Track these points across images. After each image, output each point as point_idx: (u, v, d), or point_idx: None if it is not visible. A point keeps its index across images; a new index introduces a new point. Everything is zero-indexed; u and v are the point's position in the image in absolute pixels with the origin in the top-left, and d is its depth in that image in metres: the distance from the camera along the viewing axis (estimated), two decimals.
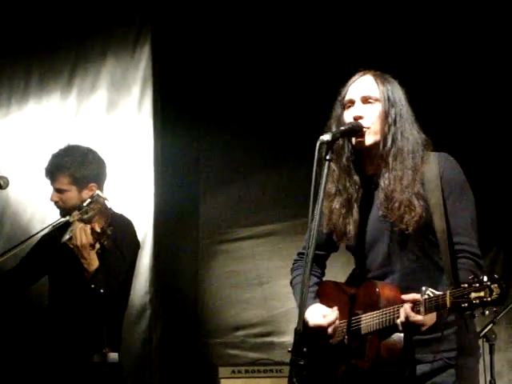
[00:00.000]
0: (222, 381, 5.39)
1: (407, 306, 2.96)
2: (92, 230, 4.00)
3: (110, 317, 4.18)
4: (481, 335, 4.75)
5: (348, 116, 3.22)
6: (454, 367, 3.09)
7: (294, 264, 3.58)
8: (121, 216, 4.38)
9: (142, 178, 5.64)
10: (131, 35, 5.79)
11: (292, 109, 5.81)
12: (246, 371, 5.42)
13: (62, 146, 4.45)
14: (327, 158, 3.03)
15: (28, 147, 5.60)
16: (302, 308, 2.95)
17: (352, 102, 3.23)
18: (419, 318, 2.94)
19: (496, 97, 5.59)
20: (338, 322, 3.21)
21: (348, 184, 3.27)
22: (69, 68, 5.76)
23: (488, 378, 4.88)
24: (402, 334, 3.06)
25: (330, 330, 3.20)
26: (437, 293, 2.89)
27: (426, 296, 2.90)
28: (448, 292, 2.83)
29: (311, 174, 3.01)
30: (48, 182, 4.43)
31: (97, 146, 4.56)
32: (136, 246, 4.46)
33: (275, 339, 5.73)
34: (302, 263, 3.49)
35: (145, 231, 5.54)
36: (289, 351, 3.36)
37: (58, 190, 4.33)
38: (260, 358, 5.71)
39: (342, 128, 3.16)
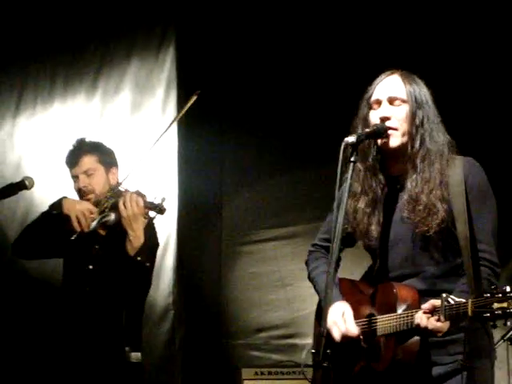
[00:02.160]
0: (245, 382, 5.38)
1: (424, 314, 2.94)
2: (144, 200, 3.99)
3: (133, 312, 4.17)
4: (505, 338, 4.71)
5: (374, 116, 3.21)
6: (469, 369, 3.06)
7: (309, 255, 3.56)
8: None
9: (165, 180, 5.65)
10: (156, 37, 5.80)
11: (316, 110, 5.80)
12: (269, 373, 5.41)
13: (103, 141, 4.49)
14: (352, 159, 3.02)
15: (53, 148, 5.63)
16: (326, 310, 2.94)
17: (379, 103, 3.22)
18: (437, 324, 2.92)
19: None
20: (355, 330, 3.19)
21: (374, 183, 3.26)
22: (93, 69, 5.79)
23: None
24: (418, 337, 3.04)
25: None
26: (457, 300, 2.86)
27: (447, 303, 2.88)
28: (470, 301, 2.80)
29: (335, 175, 3.00)
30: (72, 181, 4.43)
31: (121, 147, 4.59)
32: (157, 242, 4.42)
33: (298, 341, 5.72)
34: (317, 254, 3.50)
35: (168, 232, 5.55)
36: (312, 353, 3.37)
37: (85, 173, 4.30)
38: (283, 360, 5.70)
39: (367, 130, 3.15)
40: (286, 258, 5.94)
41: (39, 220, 4.36)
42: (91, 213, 4.13)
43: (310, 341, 3.56)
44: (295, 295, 5.80)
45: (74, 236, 4.12)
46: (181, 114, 4.51)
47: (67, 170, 4.45)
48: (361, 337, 3.19)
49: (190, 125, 5.75)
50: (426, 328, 2.93)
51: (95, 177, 4.30)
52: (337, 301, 3.20)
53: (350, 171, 3.02)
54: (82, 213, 4.12)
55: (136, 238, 4.01)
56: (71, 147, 4.41)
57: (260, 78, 5.97)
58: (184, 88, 5.80)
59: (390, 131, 3.16)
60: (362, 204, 3.26)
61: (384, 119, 3.17)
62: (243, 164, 6.12)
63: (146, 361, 4.32)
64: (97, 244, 4.25)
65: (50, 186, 5.50)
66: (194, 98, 4.32)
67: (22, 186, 4.21)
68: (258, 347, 5.93)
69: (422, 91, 3.23)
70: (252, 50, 5.96)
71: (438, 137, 3.19)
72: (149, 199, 4.08)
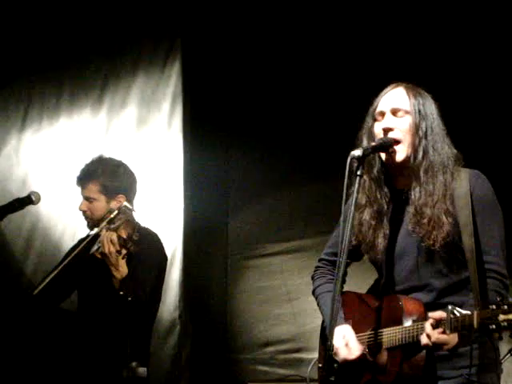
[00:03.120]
0: None
1: (430, 325, 2.93)
2: (118, 236, 4.02)
3: (138, 329, 4.19)
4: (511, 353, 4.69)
5: (378, 128, 3.22)
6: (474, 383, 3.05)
7: (315, 271, 3.55)
8: (146, 229, 4.39)
9: (171, 194, 5.65)
10: (161, 52, 5.82)
11: (321, 124, 5.80)
12: None
13: (96, 155, 4.49)
14: (358, 173, 3.02)
15: (59, 163, 5.65)
16: (333, 324, 2.93)
17: (382, 114, 3.22)
18: (443, 337, 2.91)
19: None
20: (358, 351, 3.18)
21: (379, 195, 3.26)
22: (99, 84, 5.81)
23: None
24: (424, 350, 3.03)
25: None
26: (463, 312, 2.85)
27: (452, 315, 2.87)
28: (476, 313, 2.80)
29: (341, 189, 3.00)
30: (79, 196, 4.45)
31: (127, 162, 4.59)
32: (162, 257, 4.45)
33: (304, 355, 5.69)
34: (324, 271, 3.50)
35: (174, 246, 5.55)
36: (319, 368, 3.36)
37: (86, 198, 4.36)
38: (289, 374, 5.69)
39: (373, 144, 3.15)
40: (292, 272, 5.93)
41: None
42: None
43: (316, 355, 3.55)
44: (301, 309, 5.79)
45: (95, 248, 4.15)
46: None
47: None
48: (366, 351, 3.18)
49: (196, 140, 5.76)
50: (430, 339, 2.92)
51: (94, 204, 4.35)
52: (338, 324, 3.15)
53: (356, 185, 3.01)
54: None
55: (117, 272, 4.06)
56: (84, 166, 4.42)
57: (266, 94, 5.98)
58: (190, 102, 5.81)
59: (395, 147, 3.16)
60: (367, 216, 3.26)
61: (387, 130, 3.18)
62: (249, 178, 6.12)
63: (151, 375, 4.31)
64: (95, 268, 4.26)
65: (57, 200, 5.51)
66: None
67: (28, 200, 4.23)
68: (265, 361, 5.91)
69: (427, 103, 3.23)
70: (258, 66, 5.97)
71: (442, 149, 3.19)
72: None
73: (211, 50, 5.97)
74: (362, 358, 3.16)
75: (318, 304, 3.45)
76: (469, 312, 2.83)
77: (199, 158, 5.82)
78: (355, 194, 3.01)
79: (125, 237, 4.02)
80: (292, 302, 5.91)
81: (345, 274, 3.22)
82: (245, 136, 6.04)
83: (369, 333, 3.21)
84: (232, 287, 6.09)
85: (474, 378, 3.05)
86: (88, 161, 4.44)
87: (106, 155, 4.50)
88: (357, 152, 3.03)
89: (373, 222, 3.26)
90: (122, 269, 4.05)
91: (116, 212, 4.14)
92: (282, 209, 6.05)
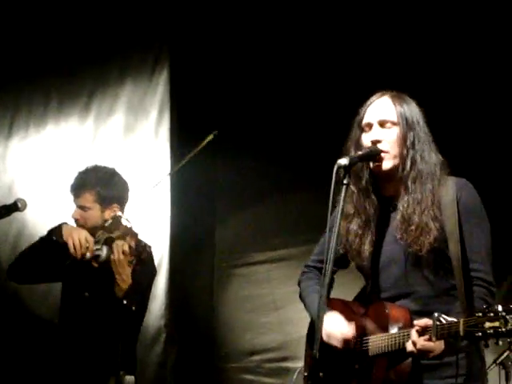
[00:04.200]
0: None
1: (416, 332, 2.94)
2: (129, 246, 4.03)
3: (127, 338, 4.19)
4: (497, 362, 4.70)
5: (366, 139, 3.23)
6: None
7: (301, 276, 3.56)
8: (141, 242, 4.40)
9: (158, 202, 5.64)
10: (149, 60, 5.83)
11: (308, 134, 5.80)
12: None
13: (89, 164, 4.48)
14: (345, 182, 3.03)
15: (46, 170, 5.64)
16: (318, 333, 2.94)
17: (370, 126, 3.23)
18: (428, 344, 2.92)
19: None
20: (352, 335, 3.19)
21: (367, 205, 3.27)
22: (87, 92, 5.81)
23: None
24: (410, 358, 3.04)
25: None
26: (449, 319, 2.87)
27: (438, 322, 2.88)
28: (462, 320, 2.81)
29: (327, 198, 3.00)
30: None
31: None
32: (154, 269, 4.47)
33: (290, 364, 5.68)
34: (310, 275, 3.51)
35: (161, 255, 5.55)
36: (305, 376, 3.36)
37: (81, 207, 4.34)
38: (275, 383, 5.68)
39: (360, 153, 3.16)
40: (278, 280, 5.93)
41: (37, 244, 4.37)
42: (87, 241, 4.16)
43: (302, 364, 3.55)
44: (288, 318, 5.78)
45: (68, 261, 4.17)
46: (194, 152, 4.56)
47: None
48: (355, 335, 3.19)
49: (182, 148, 5.76)
50: (415, 346, 2.93)
51: (88, 213, 4.33)
52: (327, 312, 3.17)
53: (342, 193, 3.02)
54: (79, 240, 4.14)
55: (122, 281, 4.07)
56: (78, 175, 4.41)
57: (253, 102, 5.98)
58: (177, 111, 5.81)
59: (382, 154, 3.18)
60: (354, 226, 3.27)
61: (375, 142, 3.19)
62: (236, 187, 6.12)
63: (138, 383, 4.30)
64: (89, 275, 4.26)
65: (43, 208, 5.50)
66: (211, 137, 4.41)
67: (14, 207, 4.22)
68: (251, 370, 5.90)
69: (413, 111, 3.24)
70: (245, 74, 5.97)
71: (430, 157, 3.20)
72: (140, 237, 4.15)
73: (199, 58, 5.98)
74: (348, 365, 3.16)
75: (304, 305, 3.46)
76: (455, 319, 2.85)
77: (186, 167, 5.81)
78: (341, 203, 3.02)
79: (134, 246, 4.04)
80: (279, 310, 5.91)
81: (331, 281, 3.23)
82: (232, 145, 6.03)
83: (355, 341, 3.21)
84: (218, 296, 6.08)
85: None
86: (82, 169, 4.43)
87: (100, 164, 4.50)
88: (343, 161, 3.04)
89: (360, 231, 3.27)
90: (127, 278, 4.06)
91: (110, 222, 4.15)
92: (269, 217, 6.05)
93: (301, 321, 3.59)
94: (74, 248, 4.14)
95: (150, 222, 5.52)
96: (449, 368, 3.07)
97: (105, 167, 4.47)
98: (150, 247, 4.37)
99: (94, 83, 5.80)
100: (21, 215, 4.77)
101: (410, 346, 2.96)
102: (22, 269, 4.41)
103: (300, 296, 3.52)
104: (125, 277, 4.05)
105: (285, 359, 5.81)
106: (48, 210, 5.49)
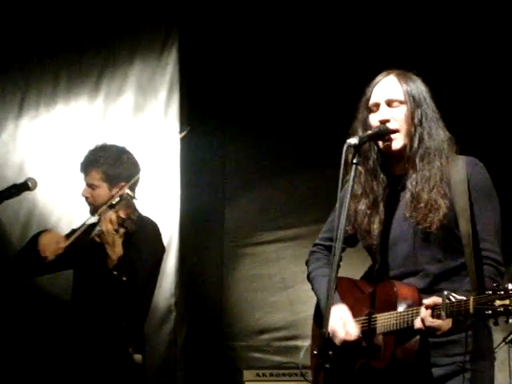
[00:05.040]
0: None
1: (425, 310, 2.95)
2: (117, 216, 4.06)
3: (133, 315, 4.21)
4: (506, 341, 4.71)
5: (374, 119, 3.22)
6: (467, 371, 3.06)
7: (310, 256, 3.55)
8: (148, 218, 4.41)
9: (168, 182, 5.66)
10: (158, 39, 5.81)
11: (318, 112, 5.80)
12: (271, 374, 5.42)
13: (100, 143, 4.50)
14: (354, 161, 3.03)
15: (56, 149, 5.65)
16: (328, 311, 2.94)
17: (377, 106, 3.22)
18: (437, 322, 2.92)
19: None
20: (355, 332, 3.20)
21: (375, 185, 3.27)
22: (96, 71, 5.80)
23: None
24: (418, 336, 3.05)
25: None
26: (459, 297, 2.86)
27: (448, 300, 2.88)
28: (472, 298, 2.81)
29: (337, 177, 3.00)
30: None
31: None
32: (160, 246, 4.47)
33: (299, 343, 5.71)
34: (318, 255, 3.51)
35: (170, 234, 5.56)
36: (314, 355, 3.38)
37: (89, 185, 4.37)
38: (284, 362, 5.70)
39: (370, 132, 3.16)
40: (287, 260, 5.95)
41: (19, 255, 4.48)
42: (58, 242, 4.24)
43: (310, 342, 3.56)
44: (297, 297, 5.80)
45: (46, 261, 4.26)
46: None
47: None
48: (360, 336, 3.19)
49: (191, 128, 5.76)
50: (424, 324, 2.94)
51: (96, 191, 4.36)
52: (334, 304, 3.15)
53: (352, 173, 3.03)
54: (49, 243, 4.23)
55: (112, 252, 4.08)
56: (87, 153, 4.43)
57: (262, 81, 5.98)
58: (187, 90, 5.81)
59: (392, 135, 3.17)
60: (362, 206, 3.27)
61: (384, 122, 3.18)
62: (245, 167, 6.12)
63: (147, 362, 4.33)
64: (94, 252, 4.28)
65: (53, 187, 5.52)
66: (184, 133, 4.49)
67: (24, 187, 4.24)
68: (260, 349, 5.93)
69: (420, 89, 3.23)
70: (254, 53, 5.96)
71: (438, 134, 3.20)
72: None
73: (208, 37, 5.96)
74: (356, 342, 3.18)
75: (312, 287, 3.46)
76: (464, 297, 2.84)
77: (196, 146, 5.82)
78: (351, 183, 3.02)
79: (123, 216, 4.07)
80: (287, 289, 5.93)
81: (340, 259, 3.23)
82: (241, 124, 6.04)
83: (363, 318, 3.22)
84: (228, 275, 6.10)
85: (467, 365, 3.05)
86: (92, 147, 4.45)
87: (110, 142, 4.51)
88: (353, 140, 3.04)
89: (368, 212, 3.27)
90: (117, 249, 4.08)
91: (118, 199, 4.17)
92: (279, 197, 6.06)
93: (309, 300, 3.60)
94: (43, 248, 4.23)
95: (159, 202, 5.54)
96: (456, 346, 3.08)
97: (114, 146, 4.48)
98: (153, 224, 4.38)
99: (103, 63, 5.79)
100: (31, 194, 4.79)
101: (418, 323, 2.97)
102: (16, 273, 4.50)
103: (308, 277, 3.52)
104: (115, 247, 4.07)
105: (294, 338, 5.84)
106: (58, 189, 5.51)
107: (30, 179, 4.27)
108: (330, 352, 3.04)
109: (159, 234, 4.45)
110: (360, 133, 3.22)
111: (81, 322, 4.29)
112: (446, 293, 2.90)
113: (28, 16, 5.70)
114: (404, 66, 3.31)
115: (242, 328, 5.99)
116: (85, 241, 4.24)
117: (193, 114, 5.84)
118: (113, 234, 4.05)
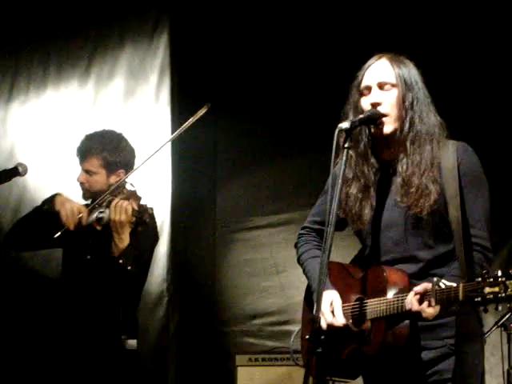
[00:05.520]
0: (239, 368, 5.39)
1: (414, 297, 2.95)
2: (132, 208, 4.06)
3: (128, 301, 4.21)
4: (498, 324, 4.72)
5: (365, 103, 3.21)
6: (457, 354, 3.07)
7: (299, 238, 3.54)
8: (146, 208, 4.39)
9: (159, 167, 5.63)
10: (149, 23, 5.79)
11: (310, 96, 5.79)
12: (263, 359, 5.42)
13: (97, 128, 4.47)
14: (346, 145, 3.02)
15: (46, 134, 5.63)
16: (319, 296, 2.94)
17: (369, 89, 3.22)
18: (426, 309, 2.92)
19: None
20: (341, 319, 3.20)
21: (366, 169, 3.26)
22: (87, 56, 5.78)
23: (506, 367, 4.85)
24: (408, 320, 3.05)
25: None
26: (448, 284, 2.87)
27: (438, 287, 2.88)
28: (461, 285, 2.81)
29: (328, 162, 3.01)
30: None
31: None
32: (156, 235, 4.48)
33: (292, 327, 5.70)
34: (308, 238, 3.50)
35: (162, 219, 5.55)
36: (307, 339, 3.37)
37: (87, 172, 4.35)
38: (277, 347, 5.71)
39: (361, 116, 3.15)
40: (279, 244, 5.95)
41: (31, 214, 4.41)
42: (80, 212, 4.17)
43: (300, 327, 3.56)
44: (289, 282, 5.81)
45: (58, 234, 4.17)
46: (188, 124, 4.53)
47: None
48: (350, 322, 3.19)
49: (182, 113, 5.74)
50: (413, 310, 2.94)
51: (94, 177, 4.34)
52: (326, 289, 3.15)
53: (344, 157, 3.02)
54: (72, 211, 4.15)
55: (120, 241, 4.09)
56: (85, 138, 4.40)
57: (253, 65, 5.96)
58: (177, 74, 5.79)
59: (383, 118, 3.16)
60: (353, 190, 3.27)
61: (375, 105, 3.17)
62: (237, 151, 6.12)
63: (140, 347, 4.33)
64: (92, 238, 4.27)
65: (44, 172, 5.49)
66: (205, 109, 4.40)
67: (15, 172, 4.22)
68: (252, 334, 5.94)
69: (412, 72, 3.23)
70: (245, 37, 5.95)
71: (429, 118, 3.19)
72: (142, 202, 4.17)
73: (199, 20, 5.94)
74: (346, 328, 3.18)
75: (303, 270, 3.44)
76: (454, 284, 2.85)
77: (186, 132, 5.79)
78: (343, 167, 3.01)
79: (137, 208, 4.06)
80: (280, 274, 5.94)
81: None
82: (233, 108, 6.02)
83: (353, 303, 3.23)
84: (220, 260, 6.10)
85: (457, 347, 3.06)
86: (90, 133, 4.42)
87: (108, 128, 4.49)
88: (344, 124, 3.04)
89: (359, 195, 3.26)
90: (125, 238, 4.08)
91: (117, 185, 4.16)
92: (270, 182, 6.05)
93: (302, 285, 3.59)
94: (66, 218, 4.14)
95: (151, 187, 5.51)
96: (446, 328, 3.09)
97: (113, 132, 4.46)
98: (152, 210, 4.37)
99: (93, 47, 5.76)
100: (22, 180, 4.77)
101: (408, 305, 2.97)
102: (18, 237, 4.45)
103: (298, 260, 3.51)
104: (123, 236, 4.08)
105: (286, 322, 5.85)
106: (49, 174, 5.49)
107: (20, 164, 4.25)
108: (322, 337, 3.03)
109: (155, 223, 4.45)
110: (351, 116, 3.21)
111: (72, 306, 4.28)
112: (435, 279, 2.90)
113: (17, 0, 5.66)
114: (396, 49, 3.30)
115: (234, 313, 6.00)
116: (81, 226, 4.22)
117: (184, 98, 5.82)
118: (126, 224, 4.04)
